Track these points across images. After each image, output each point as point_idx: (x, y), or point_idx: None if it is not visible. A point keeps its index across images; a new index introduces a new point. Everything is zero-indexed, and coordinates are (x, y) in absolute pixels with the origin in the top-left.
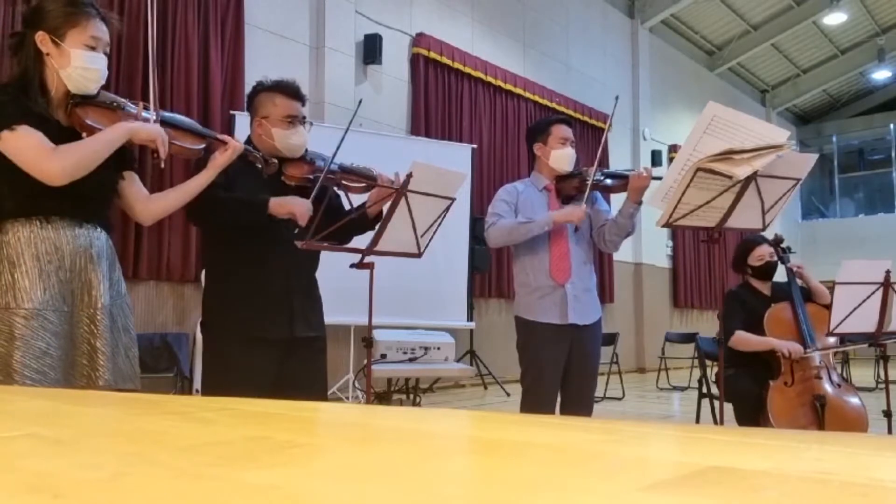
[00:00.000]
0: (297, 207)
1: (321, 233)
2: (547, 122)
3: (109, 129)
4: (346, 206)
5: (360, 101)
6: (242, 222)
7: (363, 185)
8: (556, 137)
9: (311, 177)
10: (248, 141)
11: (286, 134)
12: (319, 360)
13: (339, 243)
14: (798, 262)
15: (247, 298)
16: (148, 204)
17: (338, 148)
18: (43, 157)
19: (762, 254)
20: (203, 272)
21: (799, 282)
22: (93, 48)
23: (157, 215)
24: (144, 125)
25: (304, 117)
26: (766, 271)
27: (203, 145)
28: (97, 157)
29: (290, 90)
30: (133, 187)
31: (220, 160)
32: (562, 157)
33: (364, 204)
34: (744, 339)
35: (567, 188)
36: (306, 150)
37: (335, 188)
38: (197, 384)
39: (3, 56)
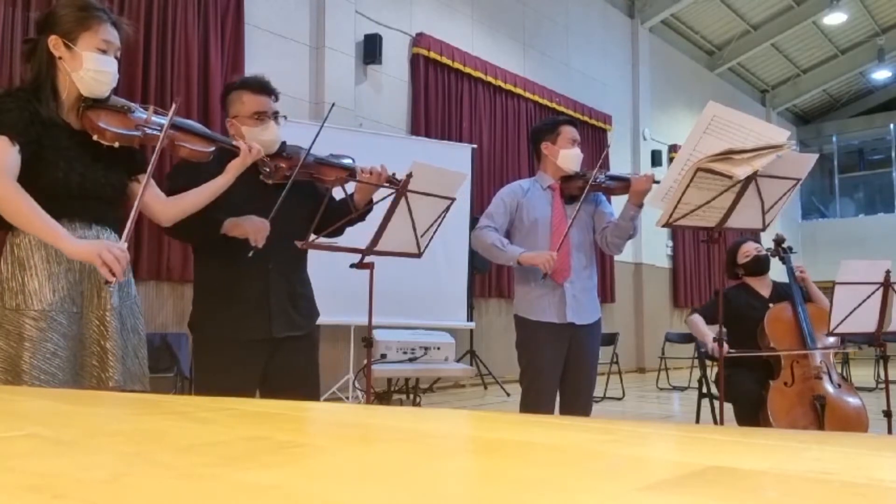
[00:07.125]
0: (251, 229)
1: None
2: (555, 123)
3: (61, 235)
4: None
5: (333, 105)
6: (198, 240)
7: (340, 176)
8: (565, 138)
9: (288, 173)
10: None
11: (255, 131)
12: (306, 358)
13: (332, 237)
14: (800, 265)
15: (224, 301)
16: (167, 206)
17: (313, 142)
18: None
19: (748, 250)
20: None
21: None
22: (104, 51)
23: (175, 217)
24: (77, 249)
25: (275, 112)
26: (757, 266)
27: (213, 148)
28: (19, 221)
29: (255, 86)
30: (148, 190)
31: (236, 164)
32: (570, 157)
33: (350, 196)
34: (692, 323)
35: (570, 188)
36: (284, 145)
37: (311, 181)
38: None
39: (3, 58)
